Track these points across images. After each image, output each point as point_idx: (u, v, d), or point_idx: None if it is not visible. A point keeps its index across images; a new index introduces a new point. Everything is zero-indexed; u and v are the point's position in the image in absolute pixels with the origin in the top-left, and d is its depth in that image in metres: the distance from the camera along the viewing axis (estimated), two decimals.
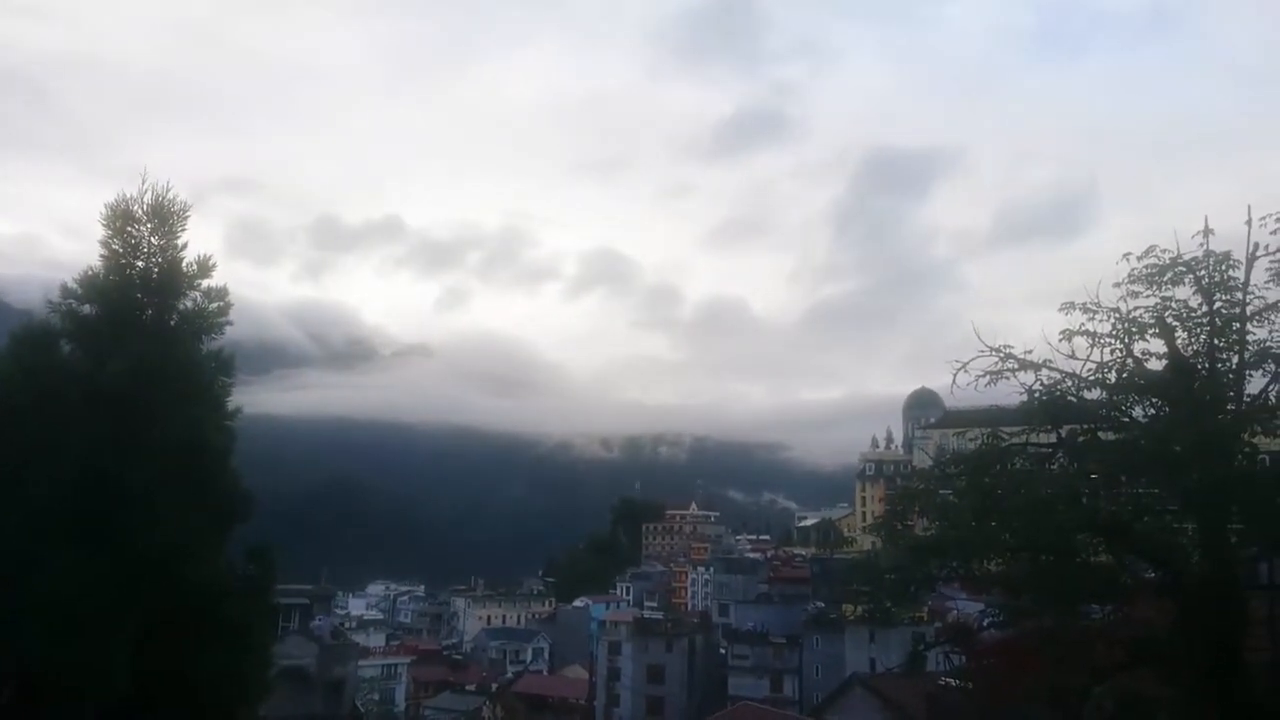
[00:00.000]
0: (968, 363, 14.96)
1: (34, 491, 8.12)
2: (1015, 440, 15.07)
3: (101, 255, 8.80)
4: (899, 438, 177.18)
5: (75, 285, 8.66)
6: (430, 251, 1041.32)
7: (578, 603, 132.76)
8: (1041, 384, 14.68)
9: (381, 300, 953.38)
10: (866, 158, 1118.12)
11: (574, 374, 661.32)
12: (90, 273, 8.72)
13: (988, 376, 14.92)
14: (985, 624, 16.86)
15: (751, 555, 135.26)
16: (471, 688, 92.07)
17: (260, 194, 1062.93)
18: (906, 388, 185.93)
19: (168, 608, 8.04)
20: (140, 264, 8.82)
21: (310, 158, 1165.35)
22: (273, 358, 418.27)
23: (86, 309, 8.60)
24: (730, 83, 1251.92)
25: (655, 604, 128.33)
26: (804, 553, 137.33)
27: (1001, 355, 14.82)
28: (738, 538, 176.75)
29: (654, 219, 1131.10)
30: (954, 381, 15.18)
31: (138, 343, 8.32)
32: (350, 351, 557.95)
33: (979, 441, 15.78)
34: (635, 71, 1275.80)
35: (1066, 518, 13.22)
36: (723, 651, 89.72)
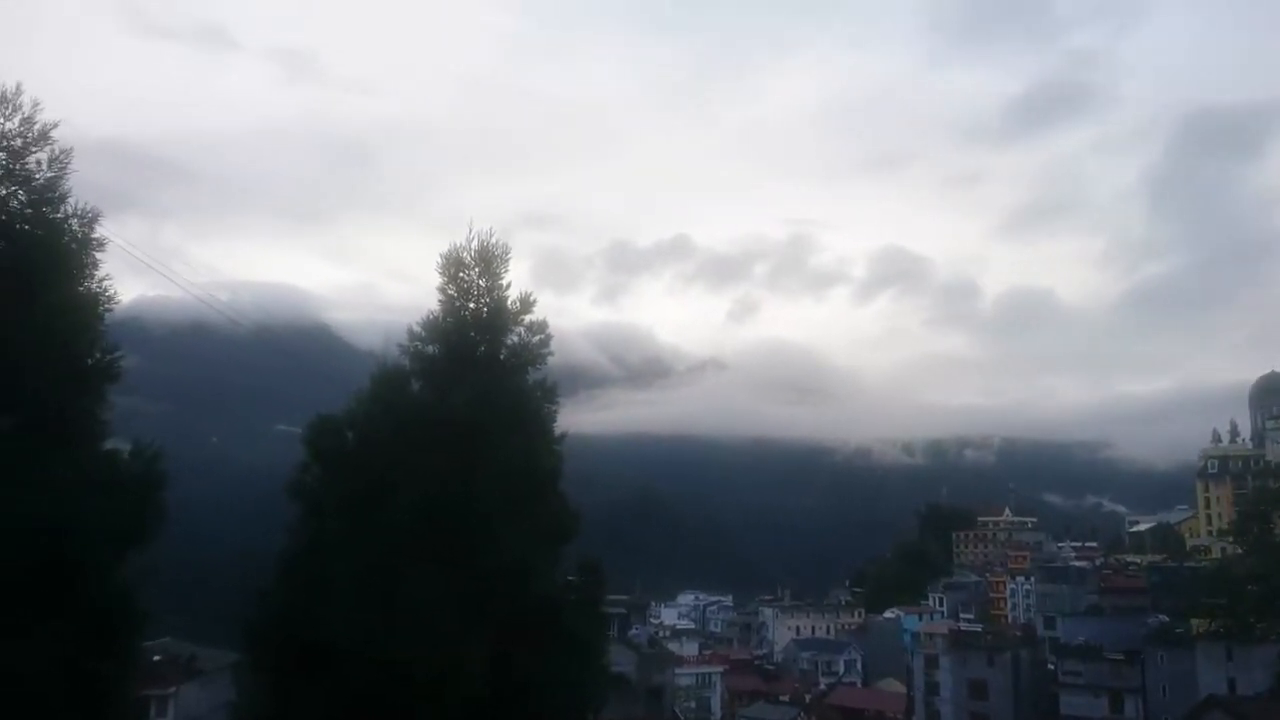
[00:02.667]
0: None
1: (395, 514, 9.15)
2: None
3: (439, 300, 9.86)
4: (1246, 430, 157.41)
5: (419, 328, 9.75)
6: (718, 266, 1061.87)
7: (889, 614, 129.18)
8: None
9: (674, 317, 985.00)
10: (1184, 120, 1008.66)
11: (869, 378, 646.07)
12: (430, 316, 9.80)
13: None
14: None
15: (1078, 564, 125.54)
16: (785, 698, 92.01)
17: (559, 226, 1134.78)
18: (1251, 373, 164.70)
19: (514, 619, 8.77)
20: (472, 305, 9.79)
21: (601, 187, 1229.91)
22: (579, 379, 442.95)
23: (430, 349, 9.65)
24: (1019, 59, 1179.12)
25: (972, 616, 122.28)
26: (1138, 560, 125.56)
27: None
28: (1059, 545, 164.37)
29: (943, 212, 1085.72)
30: None
31: (475, 377, 9.21)
32: (647, 369, 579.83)
33: None
34: (913, 61, 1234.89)
35: None
36: (1051, 667, 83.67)
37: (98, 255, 8.65)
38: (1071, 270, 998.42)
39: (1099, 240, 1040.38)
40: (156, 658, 40.67)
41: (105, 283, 8.69)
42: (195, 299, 28.06)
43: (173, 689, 43.56)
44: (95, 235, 8.64)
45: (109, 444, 9.24)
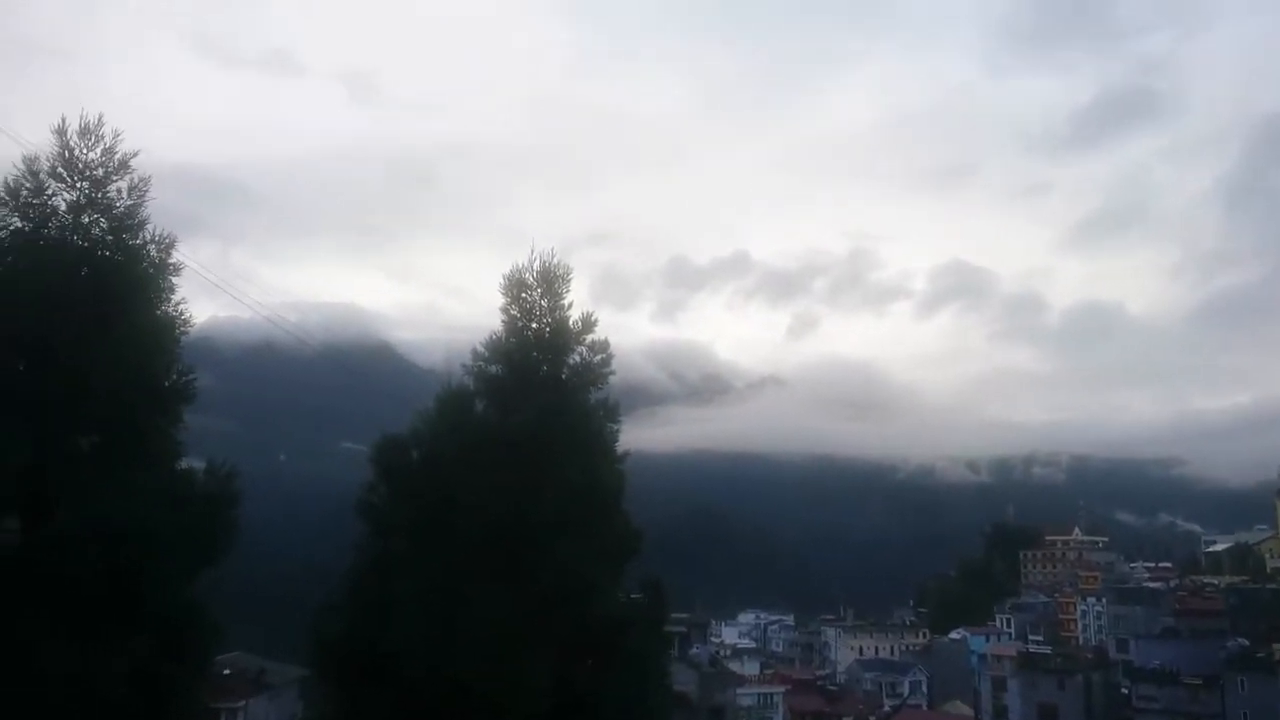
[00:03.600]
0: None
1: (459, 534, 9.26)
2: None
3: (502, 320, 10.00)
4: None
5: (483, 349, 9.89)
6: (777, 282, 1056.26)
7: (954, 634, 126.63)
8: None
9: (733, 334, 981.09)
10: (1260, 125, 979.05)
11: (932, 394, 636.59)
12: (494, 336, 9.94)
13: None
14: None
15: (1151, 585, 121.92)
16: (849, 719, 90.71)
17: (618, 243, 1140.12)
18: None
19: (577, 637, 8.81)
20: (534, 325, 9.91)
21: (660, 203, 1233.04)
22: (638, 396, 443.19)
23: (494, 369, 9.79)
24: (1086, 66, 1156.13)
25: (1041, 637, 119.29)
26: (1216, 581, 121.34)
27: None
28: (1132, 565, 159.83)
29: (1007, 224, 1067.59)
30: None
31: (538, 397, 9.32)
32: (706, 386, 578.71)
33: None
34: (976, 71, 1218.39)
35: None
36: (1125, 692, 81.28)
37: (174, 279, 8.94)
38: (1143, 282, 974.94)
39: (1171, 251, 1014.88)
40: (226, 671, 41.45)
41: (181, 306, 8.98)
42: (264, 319, 28.78)
43: (242, 702, 44.34)
44: (172, 260, 8.93)
45: (184, 462, 9.51)
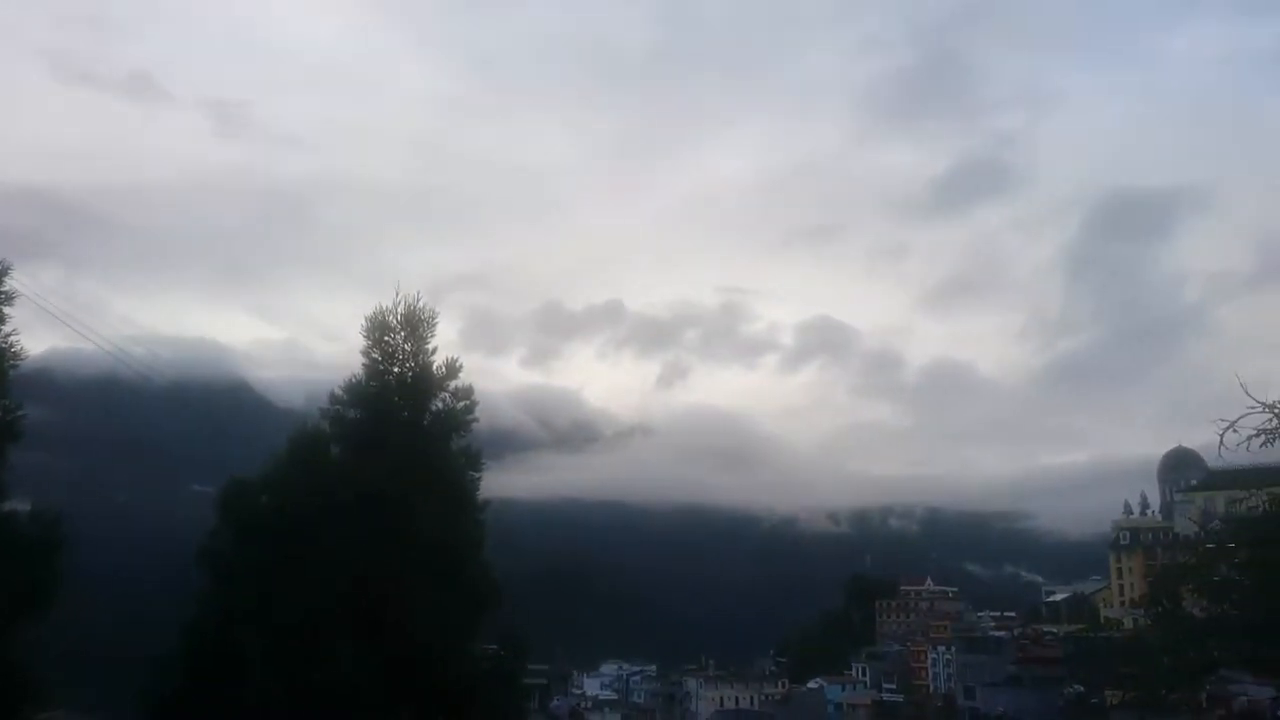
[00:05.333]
0: (1236, 421, 13.58)
1: (311, 584, 8.86)
2: None
3: (363, 364, 9.69)
4: (1155, 502, 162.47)
5: (341, 392, 9.56)
6: (649, 331, 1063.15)
7: (812, 684, 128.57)
8: None
9: (604, 382, 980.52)
10: (1100, 201, 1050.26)
11: (797, 446, 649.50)
12: (353, 380, 9.62)
13: (1261, 436, 13.47)
14: None
15: (996, 634, 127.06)
16: None
17: (491, 287, 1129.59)
18: (1160, 448, 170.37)
19: (432, 693, 8.51)
20: (396, 370, 9.64)
21: (535, 250, 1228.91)
22: (505, 443, 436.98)
23: (352, 413, 9.47)
24: (945, 137, 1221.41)
25: (893, 685, 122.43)
26: (1055, 630, 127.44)
27: (1278, 412, 13.37)
28: (979, 615, 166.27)
29: (871, 284, 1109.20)
30: (1221, 442, 13.80)
31: (396, 444, 9.05)
32: (576, 434, 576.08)
33: (1259, 507, 14.23)
34: (845, 137, 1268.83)
35: None
36: None
37: (5, 310, 8.34)
38: (992, 343, 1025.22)
39: (1018, 315, 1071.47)
40: None
41: (11, 338, 8.38)
42: (107, 353, 27.09)
43: None
44: (3, 289, 8.34)
45: (8, 504, 8.81)
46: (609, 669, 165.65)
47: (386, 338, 9.73)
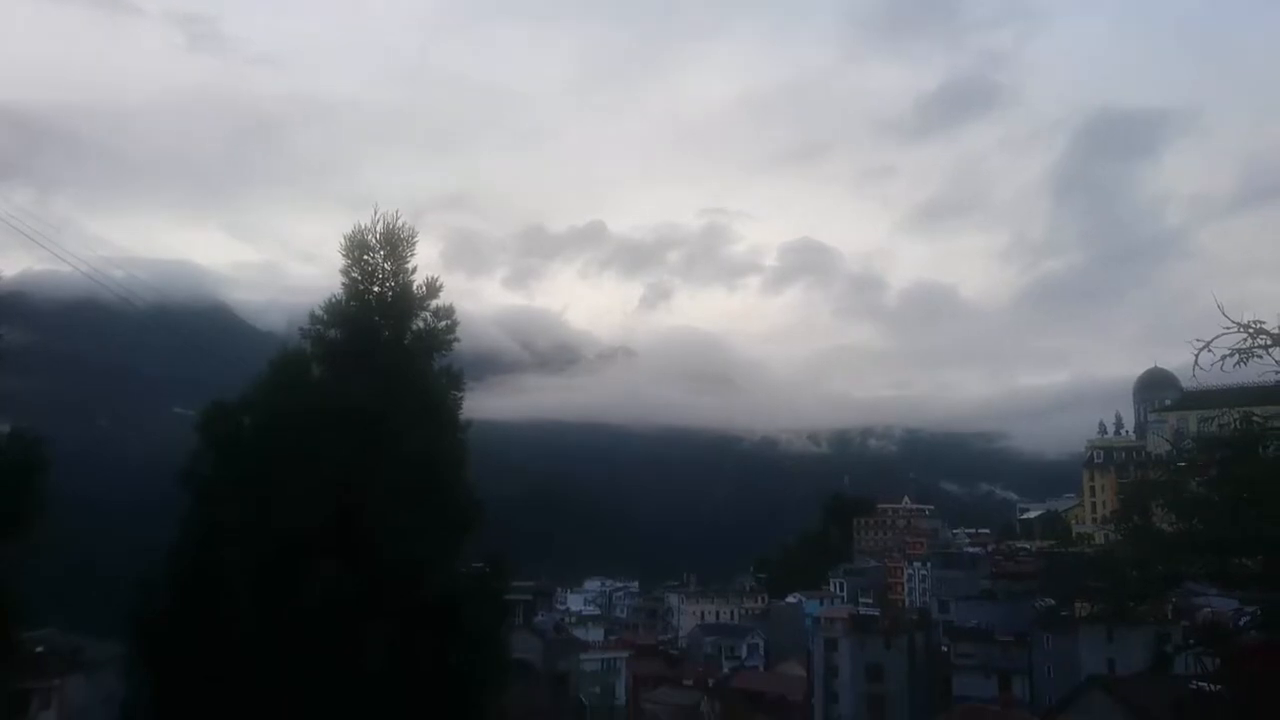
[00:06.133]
0: (1211, 341, 13.68)
1: (292, 502, 8.90)
2: (1274, 424, 13.68)
3: (342, 283, 9.58)
4: (1130, 423, 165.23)
5: (321, 312, 9.47)
6: (632, 254, 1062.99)
7: (790, 599, 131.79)
8: None
9: (586, 304, 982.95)
10: (1086, 123, 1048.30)
11: (778, 368, 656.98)
12: (333, 300, 9.52)
13: (1236, 355, 13.58)
14: (1243, 624, 15.38)
15: (971, 550, 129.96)
16: (689, 683, 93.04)
17: (474, 209, 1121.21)
18: (1138, 369, 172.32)
19: (412, 612, 8.64)
20: (376, 289, 9.54)
21: (517, 172, 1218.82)
22: (488, 364, 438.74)
23: (332, 333, 9.39)
24: (934, 56, 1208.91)
25: (871, 600, 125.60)
26: (1028, 546, 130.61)
27: (1252, 332, 13.46)
28: (955, 532, 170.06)
29: (856, 205, 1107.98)
30: (1196, 362, 13.91)
31: (378, 363, 9.01)
32: (558, 355, 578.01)
33: (1230, 425, 14.44)
34: (832, 55, 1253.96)
35: None
36: (945, 650, 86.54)
37: None
38: (976, 265, 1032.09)
39: (1002, 236, 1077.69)
40: (40, 649, 38.93)
41: None
42: (85, 275, 26.72)
43: (56, 681, 41.75)
44: None
45: None
46: (593, 585, 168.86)
47: (366, 257, 9.60)
